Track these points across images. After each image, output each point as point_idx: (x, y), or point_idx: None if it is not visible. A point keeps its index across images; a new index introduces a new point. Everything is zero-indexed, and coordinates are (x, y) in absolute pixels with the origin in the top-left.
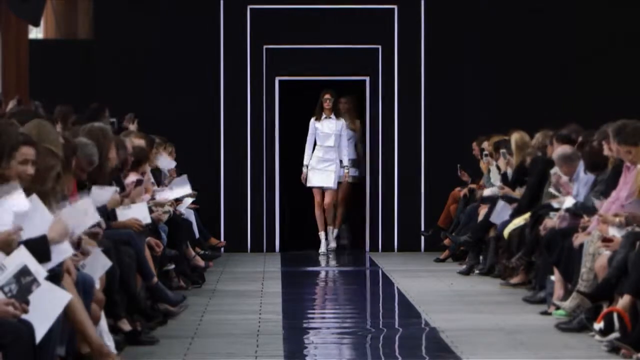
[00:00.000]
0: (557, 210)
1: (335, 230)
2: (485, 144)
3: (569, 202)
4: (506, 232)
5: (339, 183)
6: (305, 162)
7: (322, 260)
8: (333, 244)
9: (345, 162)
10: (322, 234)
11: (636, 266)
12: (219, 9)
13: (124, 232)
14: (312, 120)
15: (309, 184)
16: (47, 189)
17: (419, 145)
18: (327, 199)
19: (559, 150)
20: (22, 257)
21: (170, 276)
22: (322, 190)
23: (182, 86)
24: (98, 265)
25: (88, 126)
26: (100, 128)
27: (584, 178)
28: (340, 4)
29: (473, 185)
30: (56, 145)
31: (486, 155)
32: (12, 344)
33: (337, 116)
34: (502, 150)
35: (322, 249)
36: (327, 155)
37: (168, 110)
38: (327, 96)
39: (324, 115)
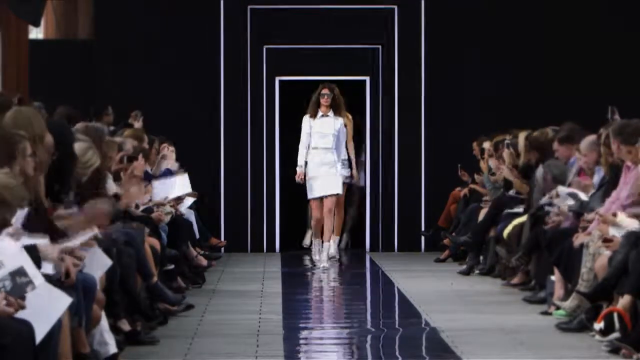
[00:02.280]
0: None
1: (337, 238)
2: (486, 144)
3: (582, 196)
4: (506, 232)
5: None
6: (299, 163)
7: (321, 262)
8: (325, 264)
9: (354, 172)
10: (317, 241)
11: (636, 266)
12: (219, 9)
13: (124, 231)
14: (306, 117)
15: (310, 196)
16: (25, 177)
17: (419, 145)
18: (328, 204)
19: (588, 138)
20: (21, 259)
21: (170, 276)
22: (322, 200)
23: (182, 86)
24: (98, 264)
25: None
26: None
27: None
28: (340, 4)
29: (474, 186)
30: (33, 132)
31: (491, 155)
32: (12, 344)
33: (337, 113)
34: (507, 141)
35: (316, 256)
36: (325, 158)
37: (168, 110)
38: (325, 91)
39: (319, 113)
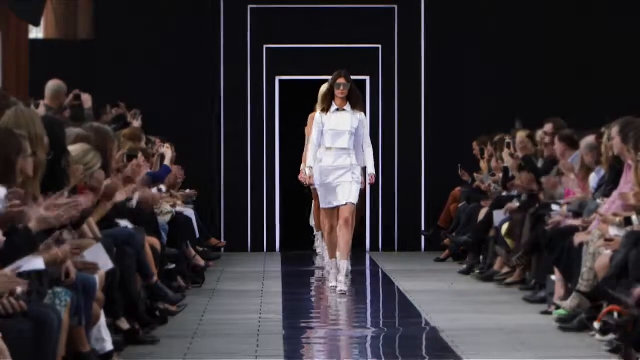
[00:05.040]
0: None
1: (346, 263)
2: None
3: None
4: (504, 230)
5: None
6: (309, 163)
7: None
8: (344, 287)
9: (371, 170)
10: (333, 262)
11: (636, 265)
12: (219, 9)
13: (125, 231)
14: (318, 113)
15: (321, 206)
16: (25, 177)
17: (419, 145)
18: (345, 213)
19: (587, 139)
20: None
21: (171, 276)
22: (336, 209)
23: (182, 86)
24: (97, 263)
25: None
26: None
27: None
28: (340, 4)
29: (480, 184)
30: (35, 133)
31: (491, 156)
32: (15, 343)
33: (354, 107)
34: (508, 141)
35: (336, 283)
36: (340, 160)
37: (168, 110)
38: (341, 80)
39: (334, 107)
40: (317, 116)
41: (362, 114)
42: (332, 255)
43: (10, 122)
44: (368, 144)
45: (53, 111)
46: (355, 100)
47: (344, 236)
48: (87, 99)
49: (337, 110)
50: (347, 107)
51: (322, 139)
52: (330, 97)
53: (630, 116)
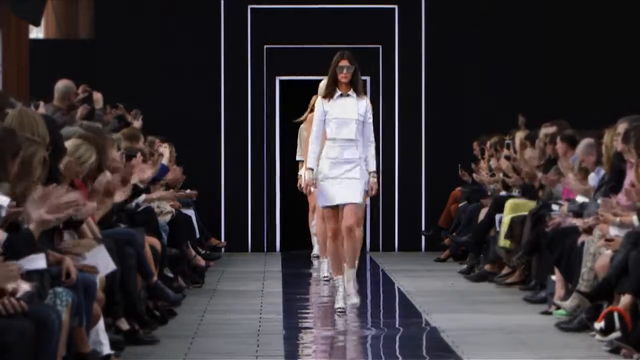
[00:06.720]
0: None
1: (353, 273)
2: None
3: (580, 199)
4: (504, 225)
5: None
6: (309, 165)
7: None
8: (355, 299)
9: (372, 167)
10: (339, 279)
11: (636, 265)
12: (219, 9)
13: (125, 231)
14: (319, 100)
15: (322, 204)
16: (35, 178)
17: (419, 145)
18: (349, 219)
19: (584, 140)
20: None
21: (171, 276)
22: (338, 209)
23: (182, 86)
24: (100, 265)
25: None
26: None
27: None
28: (341, 4)
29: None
30: (37, 134)
31: (491, 156)
32: (14, 343)
33: (359, 93)
34: (508, 142)
35: (340, 303)
36: (346, 153)
37: (168, 110)
38: (344, 63)
39: (337, 92)
40: (319, 104)
41: (368, 99)
42: (338, 272)
43: (14, 124)
44: (371, 139)
45: (62, 111)
46: (358, 84)
47: (348, 246)
48: (98, 99)
49: (341, 96)
50: (352, 92)
51: (325, 130)
52: (333, 82)
53: (634, 115)
